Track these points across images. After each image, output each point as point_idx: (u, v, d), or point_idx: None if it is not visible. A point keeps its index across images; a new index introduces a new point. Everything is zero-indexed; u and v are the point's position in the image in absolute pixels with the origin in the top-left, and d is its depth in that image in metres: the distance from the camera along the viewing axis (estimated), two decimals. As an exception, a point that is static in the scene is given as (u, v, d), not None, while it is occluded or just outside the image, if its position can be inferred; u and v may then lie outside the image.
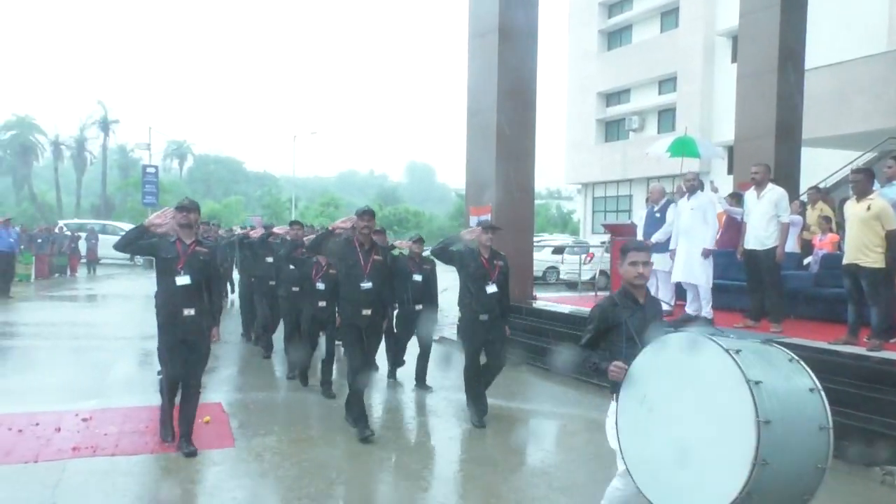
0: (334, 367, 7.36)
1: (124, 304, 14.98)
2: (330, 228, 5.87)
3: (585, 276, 16.01)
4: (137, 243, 4.90)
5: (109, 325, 11.61)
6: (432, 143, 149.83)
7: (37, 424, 5.51)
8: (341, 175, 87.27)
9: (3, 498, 4.13)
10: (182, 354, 4.91)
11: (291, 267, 7.63)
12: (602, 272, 15.89)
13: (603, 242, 16.33)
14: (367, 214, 5.55)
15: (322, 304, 6.89)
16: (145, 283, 17.93)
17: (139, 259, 23.95)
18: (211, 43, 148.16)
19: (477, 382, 6.05)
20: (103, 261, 23.97)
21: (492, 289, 5.86)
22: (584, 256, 17.65)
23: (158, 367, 7.90)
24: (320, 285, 6.93)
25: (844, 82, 15.22)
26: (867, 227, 5.89)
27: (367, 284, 5.49)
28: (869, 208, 5.89)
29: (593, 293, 11.83)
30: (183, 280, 4.80)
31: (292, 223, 8.53)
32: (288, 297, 7.87)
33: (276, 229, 8.54)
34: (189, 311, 4.82)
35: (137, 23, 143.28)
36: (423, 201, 66.55)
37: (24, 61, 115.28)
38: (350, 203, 55.81)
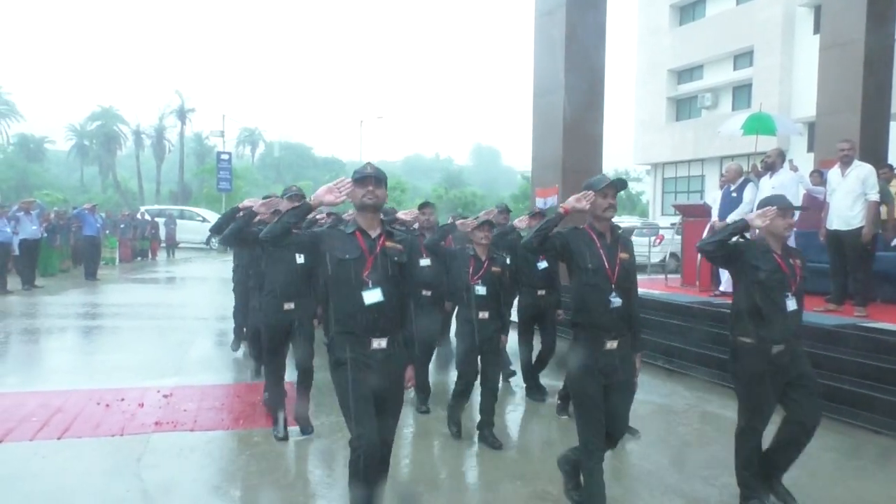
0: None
1: (201, 286, 15.59)
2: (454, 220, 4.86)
3: (655, 259, 15.62)
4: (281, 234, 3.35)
5: (187, 306, 12.11)
6: (497, 125, 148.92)
7: (122, 400, 5.81)
8: (407, 159, 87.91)
9: (92, 468, 4.38)
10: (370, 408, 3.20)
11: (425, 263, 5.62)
12: (672, 254, 15.47)
13: (673, 224, 15.86)
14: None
15: (484, 315, 5.05)
16: (220, 266, 18.61)
17: (214, 242, 24.82)
18: (280, 31, 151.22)
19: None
20: (182, 244, 24.98)
21: (480, 290, 5.02)
22: (653, 239, 17.21)
23: (233, 346, 8.25)
24: (480, 289, 5.05)
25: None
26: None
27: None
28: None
29: (663, 276, 11.54)
30: (373, 296, 3.20)
31: (423, 206, 6.15)
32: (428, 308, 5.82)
33: (400, 214, 5.70)
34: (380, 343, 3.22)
35: (212, 14, 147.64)
36: (488, 184, 66.31)
37: (107, 54, 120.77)
38: (416, 188, 56.19)
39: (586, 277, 3.40)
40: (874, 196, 6.68)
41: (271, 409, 5.18)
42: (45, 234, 15.35)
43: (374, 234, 3.26)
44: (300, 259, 4.71)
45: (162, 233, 24.12)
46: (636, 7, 34.08)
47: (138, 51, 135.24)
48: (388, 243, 3.26)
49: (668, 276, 11.11)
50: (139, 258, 21.95)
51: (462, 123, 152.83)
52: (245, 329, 7.59)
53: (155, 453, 4.63)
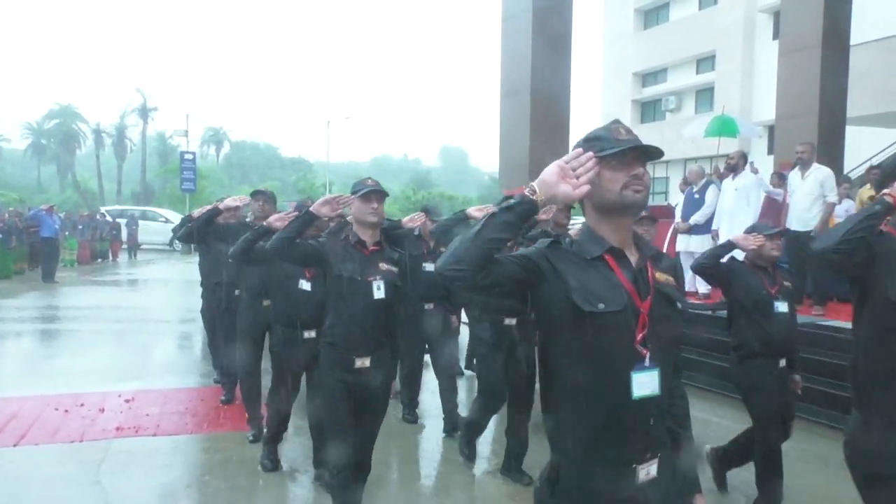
0: None
1: (164, 288, 15.31)
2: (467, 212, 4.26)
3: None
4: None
5: (150, 308, 11.89)
6: (465, 126, 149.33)
7: (81, 405, 5.67)
8: (375, 160, 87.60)
9: (50, 475, 4.27)
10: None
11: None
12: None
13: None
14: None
15: (511, 321, 4.32)
16: (184, 268, 18.30)
17: (177, 244, 24.40)
18: (247, 30, 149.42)
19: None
20: (143, 246, 24.52)
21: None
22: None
23: (201, 352, 8.13)
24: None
25: (891, 59, 14.67)
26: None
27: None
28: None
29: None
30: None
31: (423, 210, 5.10)
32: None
33: (405, 221, 4.56)
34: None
35: (175, 11, 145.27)
36: (456, 185, 66.41)
37: (65, 51, 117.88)
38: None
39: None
40: (833, 198, 6.87)
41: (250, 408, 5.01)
42: (1, 236, 14.91)
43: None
44: (306, 285, 4.09)
45: (123, 234, 23.63)
46: (602, 11, 34.52)
47: (98, 48, 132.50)
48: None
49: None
50: (99, 260, 21.46)
51: (430, 124, 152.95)
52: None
53: (116, 459, 4.53)
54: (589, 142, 1.68)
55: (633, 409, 1.61)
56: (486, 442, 5.04)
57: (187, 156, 30.14)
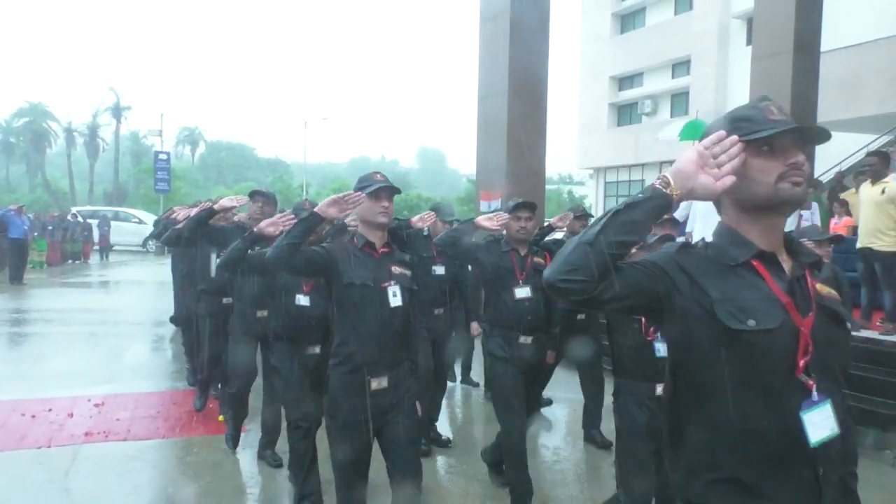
0: None
1: (136, 290, 15.09)
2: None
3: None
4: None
5: (122, 311, 11.70)
6: (443, 128, 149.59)
7: (49, 410, 5.56)
8: (353, 161, 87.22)
9: (16, 483, 4.18)
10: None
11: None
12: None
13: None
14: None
15: (526, 340, 3.89)
16: (157, 270, 18.05)
17: (151, 245, 24.08)
18: (223, 29, 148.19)
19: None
20: (116, 247, 24.14)
21: (523, 292, 3.85)
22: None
23: (174, 355, 8.02)
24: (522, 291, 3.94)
25: (860, 65, 14.99)
26: (881, 210, 5.82)
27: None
28: (883, 192, 5.82)
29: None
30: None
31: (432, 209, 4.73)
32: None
33: (415, 220, 4.08)
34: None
35: (150, 9, 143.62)
36: (434, 187, 66.44)
37: (36, 48, 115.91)
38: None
39: None
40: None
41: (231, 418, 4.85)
42: (-32, 236, 14.57)
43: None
44: (303, 300, 3.76)
45: (95, 235, 23.23)
46: (579, 14, 34.77)
47: (71, 45, 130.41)
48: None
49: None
50: (70, 261, 21.08)
51: (408, 125, 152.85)
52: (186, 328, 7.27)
53: (85, 465, 4.45)
54: (734, 123, 1.39)
55: (811, 458, 1.28)
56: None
57: (161, 156, 29.82)
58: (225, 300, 5.00)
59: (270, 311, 3.98)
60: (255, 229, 3.54)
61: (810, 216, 9.02)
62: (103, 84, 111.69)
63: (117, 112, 50.62)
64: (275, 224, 3.44)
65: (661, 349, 3.05)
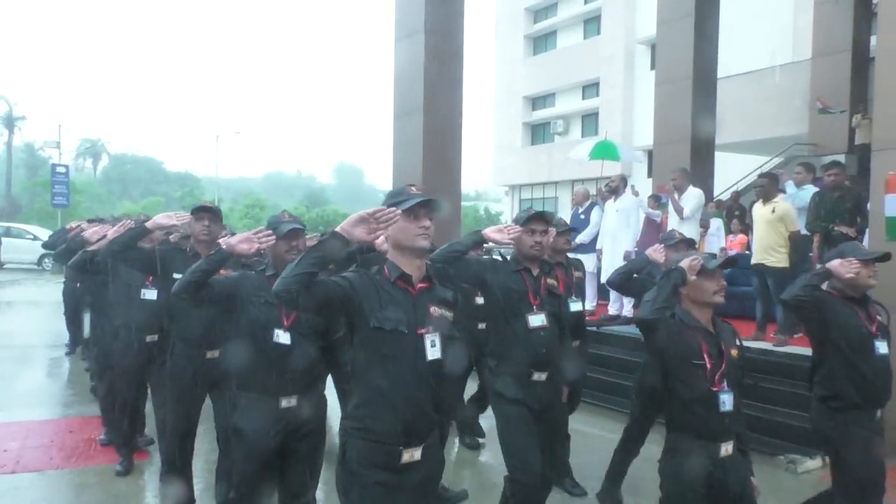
0: None
1: (31, 311, 14.13)
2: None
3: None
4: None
5: (13, 333, 10.92)
6: (361, 144, 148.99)
7: (-73, 442, 5.12)
8: (267, 176, 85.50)
9: None
10: None
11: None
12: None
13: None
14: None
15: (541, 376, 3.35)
16: (54, 289, 16.98)
17: (48, 263, 22.69)
18: (129, 36, 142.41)
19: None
20: (7, 265, 22.59)
21: (538, 320, 3.29)
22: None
23: (68, 380, 7.54)
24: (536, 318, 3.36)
25: (754, 90, 16.05)
26: (772, 228, 6.20)
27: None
28: (773, 211, 6.21)
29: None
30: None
31: None
32: None
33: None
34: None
35: (46, 12, 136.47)
36: (352, 203, 65.91)
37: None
38: (276, 205, 54.71)
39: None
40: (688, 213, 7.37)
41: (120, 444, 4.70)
42: None
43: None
44: (283, 338, 2.92)
45: (-16, 252, 21.66)
46: (493, 36, 35.59)
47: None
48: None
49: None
50: (-44, 280, 19.55)
51: (324, 141, 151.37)
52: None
53: (-33, 502, 4.11)
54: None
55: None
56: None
57: (59, 169, 28.20)
58: (150, 338, 4.31)
59: (230, 352, 3.08)
60: (223, 247, 2.90)
61: (716, 231, 9.56)
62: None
63: (10, 122, 47.57)
64: (249, 241, 2.89)
65: (726, 402, 2.63)
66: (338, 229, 2.20)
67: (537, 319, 3.26)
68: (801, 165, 7.50)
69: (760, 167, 14.51)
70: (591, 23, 30.99)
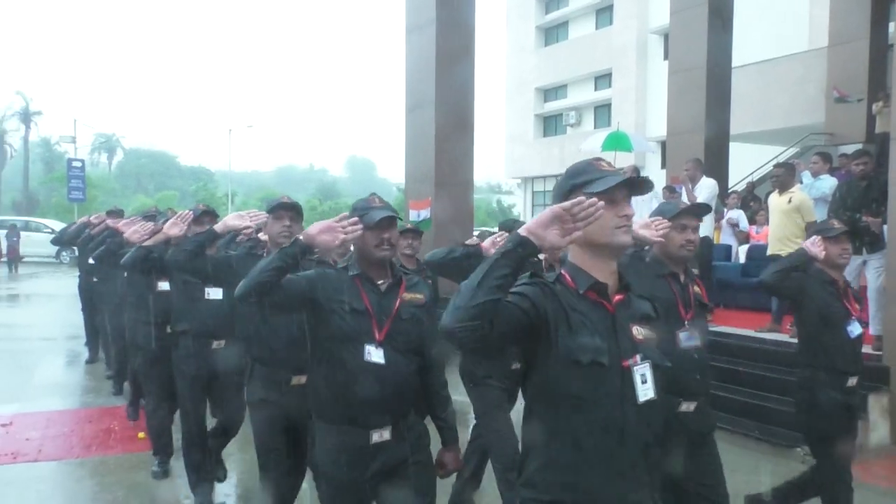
0: None
1: (49, 304, 14.31)
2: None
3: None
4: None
5: (32, 325, 11.08)
6: (373, 137, 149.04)
7: (-49, 432, 5.22)
8: (279, 169, 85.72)
9: (-88, 511, 3.90)
10: None
11: None
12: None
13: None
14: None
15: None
16: (71, 282, 17.18)
17: (65, 256, 22.94)
18: (143, 32, 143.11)
19: None
20: (26, 259, 22.88)
21: (691, 340, 2.86)
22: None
23: (87, 371, 7.63)
24: None
25: (768, 80, 15.87)
26: (788, 219, 6.16)
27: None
28: (790, 201, 6.16)
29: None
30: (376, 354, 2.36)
31: (405, 232, 4.11)
32: None
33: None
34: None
35: (60, 7, 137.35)
36: (363, 196, 65.96)
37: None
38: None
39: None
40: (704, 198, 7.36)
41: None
42: None
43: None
44: (375, 355, 2.44)
45: (3, 246, 21.95)
46: (504, 27, 35.43)
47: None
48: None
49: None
50: (-25, 274, 19.83)
51: (336, 134, 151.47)
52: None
53: (-9, 489, 4.19)
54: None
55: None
56: None
57: (75, 163, 28.43)
58: (216, 344, 3.83)
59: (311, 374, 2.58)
60: (300, 238, 2.39)
61: (737, 220, 9.61)
62: (10, 88, 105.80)
63: (26, 117, 48.09)
64: (332, 231, 2.37)
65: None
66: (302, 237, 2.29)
67: (690, 340, 2.69)
68: (818, 155, 7.43)
69: (775, 157, 14.37)
70: (604, 13, 30.76)
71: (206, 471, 3.93)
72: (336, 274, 2.44)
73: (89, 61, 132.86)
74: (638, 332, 1.74)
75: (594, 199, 1.53)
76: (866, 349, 5.84)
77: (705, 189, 7.31)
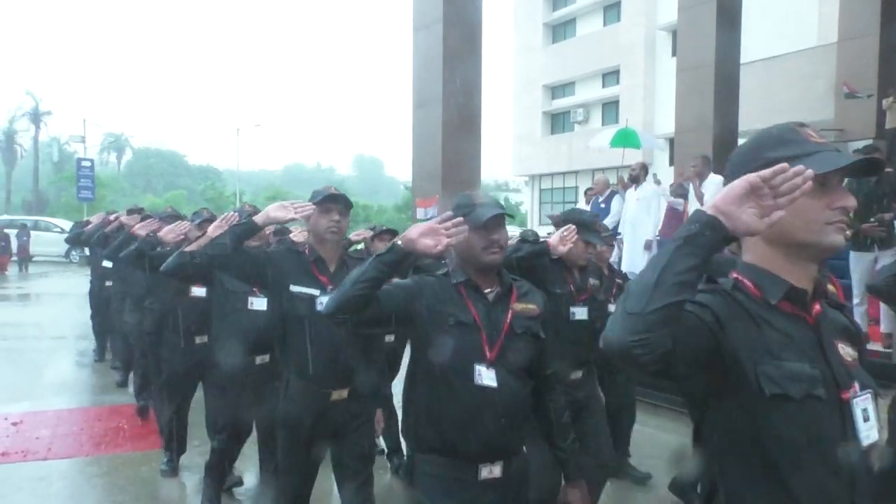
0: None
1: (59, 303, 14.40)
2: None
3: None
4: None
5: (42, 324, 11.15)
6: (380, 135, 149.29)
7: (-37, 430, 5.26)
8: (287, 168, 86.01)
9: (-75, 508, 3.93)
10: None
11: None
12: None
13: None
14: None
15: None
16: (81, 281, 17.29)
17: (75, 255, 23.07)
18: (150, 32, 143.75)
19: None
20: (36, 258, 23.03)
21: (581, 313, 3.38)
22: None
23: (97, 370, 7.68)
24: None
25: (775, 76, 15.80)
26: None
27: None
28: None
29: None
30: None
31: (383, 233, 4.68)
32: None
33: (352, 236, 4.10)
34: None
35: (69, 8, 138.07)
36: (371, 195, 66.08)
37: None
38: (297, 197, 54.88)
39: None
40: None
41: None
42: None
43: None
44: (487, 377, 2.16)
45: (13, 245, 22.10)
46: (511, 25, 35.34)
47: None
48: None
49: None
50: (-14, 273, 19.98)
51: (344, 133, 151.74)
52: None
53: (2, 488, 4.22)
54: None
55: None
56: None
57: (84, 163, 28.60)
58: (260, 360, 3.61)
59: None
60: (399, 243, 2.04)
61: None
62: (20, 88, 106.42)
63: (36, 117, 48.40)
64: (434, 234, 2.00)
65: None
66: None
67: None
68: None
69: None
70: (611, 9, 30.65)
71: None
72: (437, 281, 2.14)
73: (98, 61, 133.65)
74: (845, 352, 1.31)
75: (801, 167, 1.12)
76: (876, 347, 5.82)
77: (713, 186, 7.29)
